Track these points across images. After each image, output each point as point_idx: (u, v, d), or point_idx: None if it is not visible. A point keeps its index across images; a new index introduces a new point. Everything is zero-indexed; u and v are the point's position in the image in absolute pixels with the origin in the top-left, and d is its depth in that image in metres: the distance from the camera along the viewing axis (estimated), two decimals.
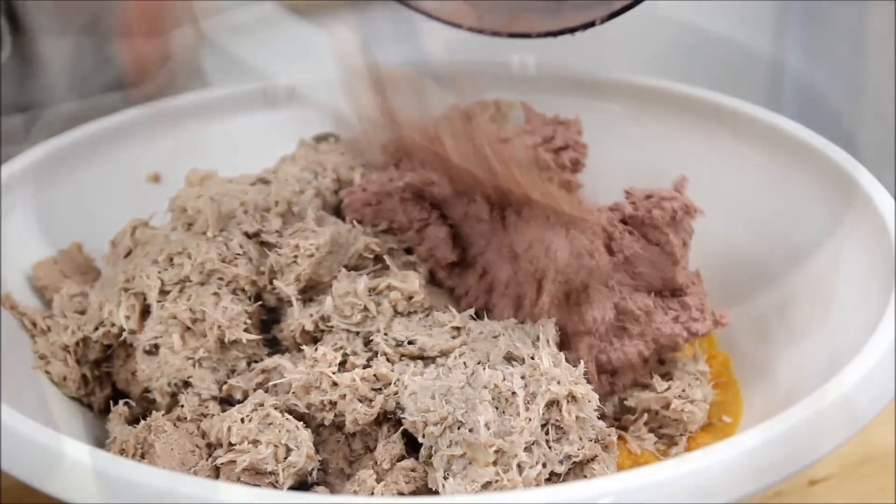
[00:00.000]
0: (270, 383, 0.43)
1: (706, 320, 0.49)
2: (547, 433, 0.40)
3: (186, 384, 0.45)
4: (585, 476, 0.40)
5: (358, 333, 0.45)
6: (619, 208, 0.49)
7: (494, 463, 0.38)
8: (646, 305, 0.47)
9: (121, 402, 0.47)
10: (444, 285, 0.50)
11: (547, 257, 0.45)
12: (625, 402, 0.48)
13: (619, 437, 0.45)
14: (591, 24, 0.51)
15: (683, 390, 0.48)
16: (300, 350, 0.44)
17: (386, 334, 0.44)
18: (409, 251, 0.50)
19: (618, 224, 0.48)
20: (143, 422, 0.43)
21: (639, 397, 0.48)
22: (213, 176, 0.56)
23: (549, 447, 0.40)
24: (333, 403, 0.42)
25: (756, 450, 0.34)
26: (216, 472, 0.41)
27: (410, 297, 0.46)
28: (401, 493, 0.40)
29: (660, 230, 0.48)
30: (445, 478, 0.39)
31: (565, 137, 0.56)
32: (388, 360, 0.43)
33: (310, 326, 0.45)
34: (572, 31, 0.52)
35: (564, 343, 0.47)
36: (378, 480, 0.41)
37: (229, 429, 0.41)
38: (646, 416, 0.48)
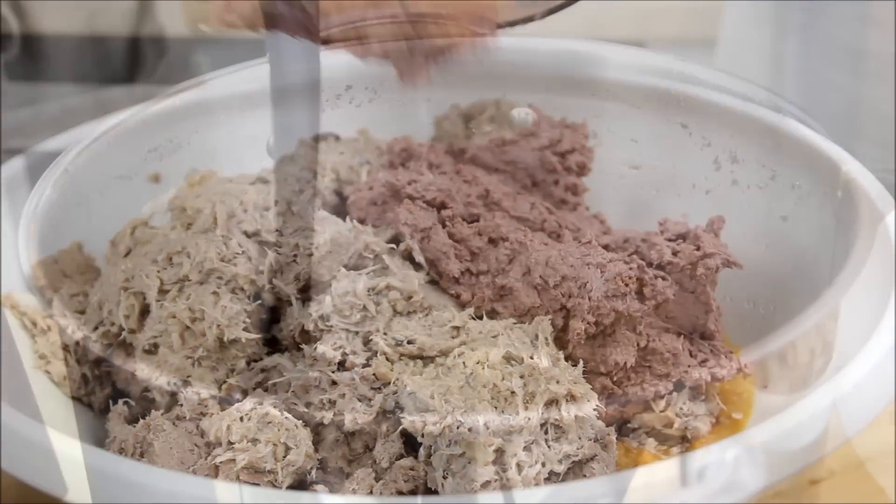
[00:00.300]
0: (270, 382, 0.43)
1: (732, 367, 0.48)
2: (546, 432, 0.40)
3: (186, 383, 0.45)
4: (585, 475, 0.40)
5: (357, 333, 0.45)
6: (653, 245, 0.48)
7: (494, 462, 0.39)
8: (674, 348, 0.47)
9: (120, 401, 0.47)
10: (447, 292, 0.48)
11: (580, 295, 0.45)
12: (628, 424, 0.48)
13: (619, 440, 0.45)
14: (531, 19, 0.52)
15: (682, 407, 0.47)
16: (300, 349, 0.44)
17: (385, 334, 0.44)
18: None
19: (649, 270, 0.47)
20: (142, 421, 0.43)
21: (641, 418, 0.47)
22: (213, 176, 0.56)
23: (549, 446, 0.40)
24: (333, 402, 0.42)
25: (756, 450, 0.34)
26: (215, 471, 0.41)
27: (410, 297, 0.46)
28: (400, 492, 0.40)
29: (698, 282, 0.48)
30: (445, 477, 0.39)
31: (572, 141, 0.57)
32: (387, 359, 0.43)
33: (309, 326, 0.45)
34: (512, 24, 0.52)
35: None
36: (377, 479, 0.41)
37: (228, 427, 0.41)
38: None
